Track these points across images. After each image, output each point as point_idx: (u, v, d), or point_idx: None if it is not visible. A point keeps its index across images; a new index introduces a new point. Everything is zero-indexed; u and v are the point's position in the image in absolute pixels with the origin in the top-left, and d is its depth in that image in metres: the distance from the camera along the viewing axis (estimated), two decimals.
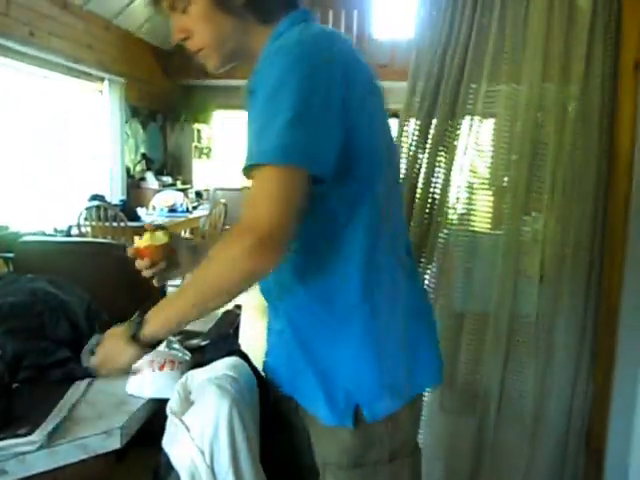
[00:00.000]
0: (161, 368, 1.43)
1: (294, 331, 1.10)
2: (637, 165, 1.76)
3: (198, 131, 9.10)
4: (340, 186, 0.98)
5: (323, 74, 0.91)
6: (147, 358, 1.50)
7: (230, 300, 1.01)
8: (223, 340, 1.79)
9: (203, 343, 1.95)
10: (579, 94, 1.84)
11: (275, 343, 1.22)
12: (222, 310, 2.79)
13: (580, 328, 1.96)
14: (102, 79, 6.66)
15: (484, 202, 2.06)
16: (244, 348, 2.23)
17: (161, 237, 1.27)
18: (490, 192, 2.04)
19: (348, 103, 0.94)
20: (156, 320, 1.08)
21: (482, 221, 2.06)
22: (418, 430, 1.19)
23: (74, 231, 5.17)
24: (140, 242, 1.28)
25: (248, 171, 0.93)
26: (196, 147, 9.04)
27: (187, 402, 1.25)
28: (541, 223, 1.96)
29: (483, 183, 2.05)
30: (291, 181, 0.89)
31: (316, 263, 1.05)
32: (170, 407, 1.23)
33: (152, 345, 1.14)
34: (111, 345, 1.16)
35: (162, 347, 1.57)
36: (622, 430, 1.87)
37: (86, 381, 1.39)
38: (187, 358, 1.56)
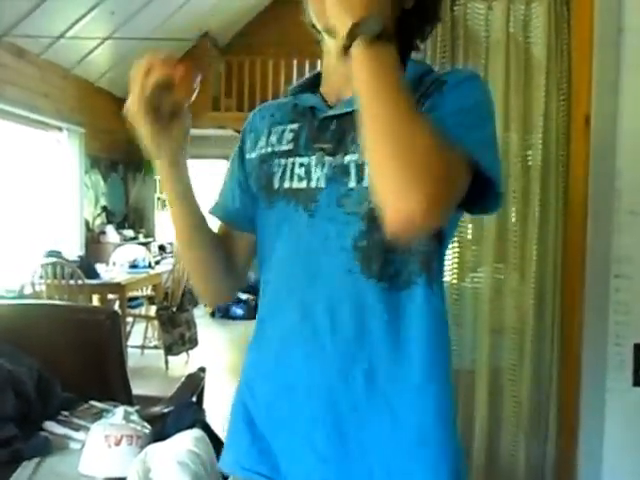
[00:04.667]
0: (117, 443, 1.39)
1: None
2: (590, 215, 1.85)
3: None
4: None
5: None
6: (102, 432, 1.46)
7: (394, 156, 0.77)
8: (185, 409, 1.75)
9: (165, 410, 1.91)
10: (540, 144, 1.97)
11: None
12: (185, 374, 2.75)
13: (546, 380, 2.01)
14: (60, 129, 6.67)
15: (449, 254, 2.10)
16: (210, 414, 2.19)
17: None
18: (455, 243, 2.09)
19: None
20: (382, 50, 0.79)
21: (447, 274, 2.09)
22: None
23: (27, 290, 5.07)
24: None
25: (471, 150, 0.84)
26: (159, 198, 9.03)
27: None
28: (504, 274, 2.02)
29: None
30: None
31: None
32: None
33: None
34: None
35: (119, 419, 1.54)
36: None
37: (34, 461, 1.34)
38: (146, 431, 1.52)
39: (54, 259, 5.15)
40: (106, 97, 7.76)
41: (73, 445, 1.57)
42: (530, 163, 2.01)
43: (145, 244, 7.70)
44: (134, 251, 6.36)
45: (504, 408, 2.03)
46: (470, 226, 2.09)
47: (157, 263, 6.82)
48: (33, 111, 6.02)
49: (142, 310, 6.24)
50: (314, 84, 1.03)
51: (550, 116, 1.95)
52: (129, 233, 8.12)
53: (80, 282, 4.95)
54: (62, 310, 2.53)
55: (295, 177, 0.96)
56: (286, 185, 0.97)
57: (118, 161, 8.38)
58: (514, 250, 2.01)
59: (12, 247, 6.07)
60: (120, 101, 7.72)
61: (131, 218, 8.80)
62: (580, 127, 1.87)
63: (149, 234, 8.81)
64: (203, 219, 1.01)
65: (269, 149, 1.01)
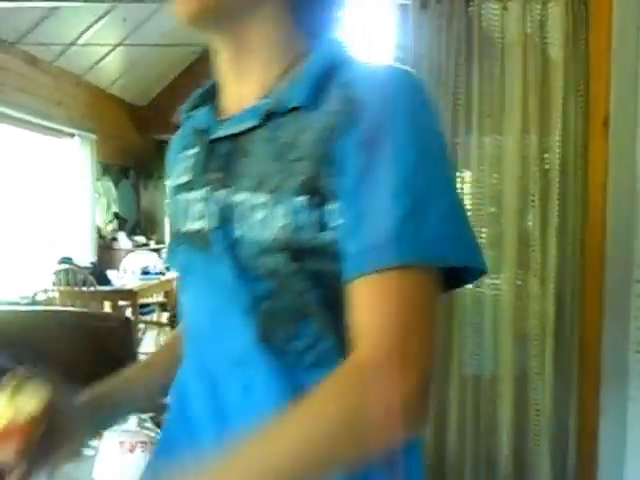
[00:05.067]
0: (132, 450, 1.39)
1: None
2: (610, 219, 1.82)
3: None
4: None
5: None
6: (116, 439, 1.46)
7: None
8: None
9: None
10: (558, 147, 1.96)
11: None
12: None
13: (567, 387, 2.00)
14: (72, 135, 6.72)
15: None
16: None
17: (32, 399, 0.75)
18: None
19: None
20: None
21: None
22: None
23: (40, 297, 5.10)
24: None
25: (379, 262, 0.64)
26: None
27: None
28: (523, 280, 2.00)
29: None
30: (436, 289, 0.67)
31: None
32: None
33: None
34: None
35: (133, 426, 1.53)
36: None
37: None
38: None
39: (66, 266, 5.18)
40: (117, 103, 7.82)
41: (87, 452, 1.57)
42: (547, 166, 2.00)
43: (157, 250, 7.72)
44: (146, 257, 6.38)
45: (528, 416, 2.01)
46: (485, 230, 2.07)
47: (168, 269, 6.83)
48: (46, 119, 6.07)
49: (154, 317, 6.26)
50: (213, 95, 0.83)
51: (568, 118, 1.94)
52: (141, 239, 8.15)
53: (92, 289, 4.97)
54: (74, 317, 2.53)
55: (193, 216, 0.77)
56: (185, 227, 0.79)
57: (129, 167, 8.43)
58: (533, 254, 1.99)
59: (25, 254, 6.11)
60: (131, 107, 7.71)
61: (142, 224, 8.84)
62: (598, 129, 1.86)
63: (160, 240, 8.84)
64: (164, 367, 0.94)
65: (175, 182, 0.84)
